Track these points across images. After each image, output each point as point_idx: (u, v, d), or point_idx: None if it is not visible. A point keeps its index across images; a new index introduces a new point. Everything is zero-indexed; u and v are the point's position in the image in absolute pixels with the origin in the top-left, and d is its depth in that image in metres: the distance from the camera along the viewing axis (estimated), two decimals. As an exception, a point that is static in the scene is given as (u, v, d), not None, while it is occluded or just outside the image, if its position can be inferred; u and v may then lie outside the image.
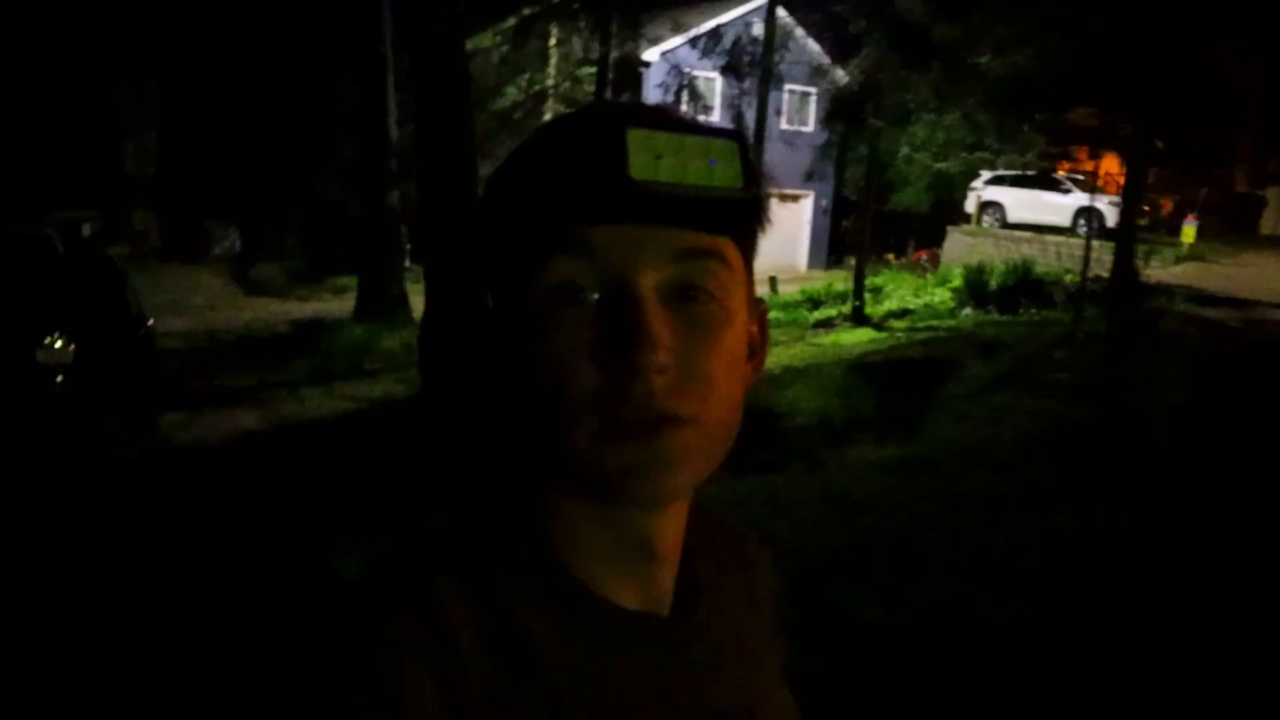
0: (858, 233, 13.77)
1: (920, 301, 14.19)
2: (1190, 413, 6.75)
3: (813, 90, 19.08)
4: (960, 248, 18.71)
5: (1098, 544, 4.65)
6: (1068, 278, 12.80)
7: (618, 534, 0.58)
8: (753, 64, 12.17)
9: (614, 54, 10.88)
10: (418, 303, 9.45)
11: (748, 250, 0.59)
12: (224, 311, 12.98)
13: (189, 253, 17.05)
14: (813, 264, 21.87)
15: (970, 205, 20.38)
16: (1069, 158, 13.67)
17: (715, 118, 14.99)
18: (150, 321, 6.70)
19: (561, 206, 0.53)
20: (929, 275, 16.66)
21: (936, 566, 4.39)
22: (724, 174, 0.53)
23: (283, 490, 5.56)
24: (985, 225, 20.19)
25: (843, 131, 14.17)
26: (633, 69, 15.31)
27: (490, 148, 13.49)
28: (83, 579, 4.29)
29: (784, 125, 18.96)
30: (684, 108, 11.94)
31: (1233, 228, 21.43)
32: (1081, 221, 11.79)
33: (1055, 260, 14.91)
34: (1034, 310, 12.23)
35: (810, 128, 19.51)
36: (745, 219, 0.58)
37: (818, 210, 22.10)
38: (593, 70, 12.11)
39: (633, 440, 0.53)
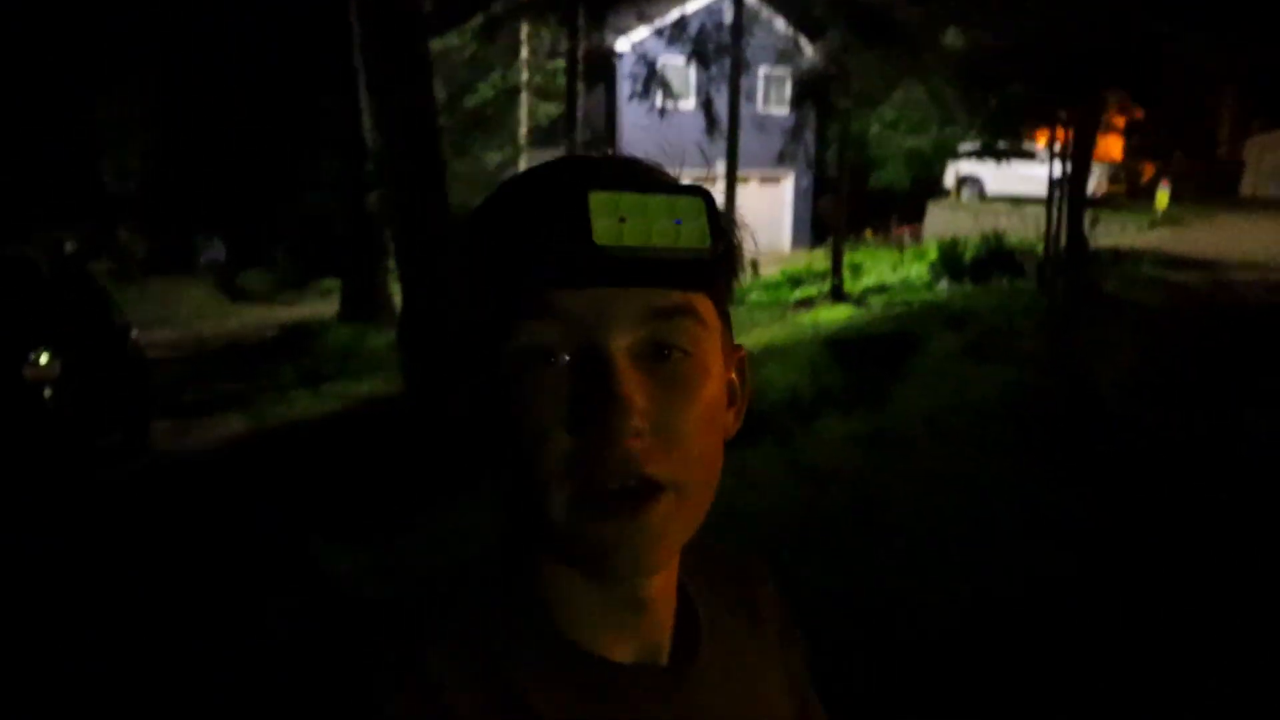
0: (834, 212, 13.90)
1: (898, 276, 14.33)
2: (1135, 376, 6.97)
3: (787, 73, 19.16)
4: (940, 222, 18.91)
5: (1052, 509, 4.82)
6: (1039, 248, 13.01)
7: (605, 594, 0.58)
8: (719, 49, 12.26)
9: (582, 46, 10.97)
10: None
11: (721, 300, 0.58)
12: (211, 320, 13.08)
13: (174, 265, 17.15)
14: (796, 244, 21.98)
15: (949, 180, 20.59)
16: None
17: (690, 104, 15.09)
18: (135, 334, 6.83)
19: (528, 272, 0.52)
20: (906, 250, 16.83)
21: (896, 535, 4.57)
22: (690, 233, 0.52)
23: (275, 492, 5.66)
24: (964, 199, 20.40)
25: (814, 113, 14.31)
26: (604, 60, 15.40)
27: (466, 144, 13.66)
28: (82, 580, 4.38)
29: (759, 109, 19.05)
30: (656, 100, 12.06)
31: (1212, 192, 21.69)
32: (1058, 193, 11.95)
33: (1033, 230, 15.05)
34: (1005, 280, 12.42)
35: (786, 110, 19.59)
36: (716, 273, 0.57)
37: (799, 192, 22.23)
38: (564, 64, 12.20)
39: (611, 515, 0.52)
